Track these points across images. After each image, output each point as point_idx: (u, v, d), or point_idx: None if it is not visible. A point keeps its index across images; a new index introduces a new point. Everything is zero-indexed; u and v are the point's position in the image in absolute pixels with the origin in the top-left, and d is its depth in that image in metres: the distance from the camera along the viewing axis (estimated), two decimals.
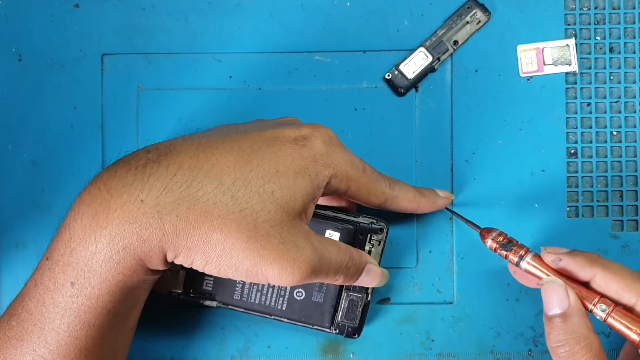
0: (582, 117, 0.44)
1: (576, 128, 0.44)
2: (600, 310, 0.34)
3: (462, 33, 0.43)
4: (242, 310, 0.41)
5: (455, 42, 0.43)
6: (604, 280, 0.34)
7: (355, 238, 0.40)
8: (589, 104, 0.44)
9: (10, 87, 0.43)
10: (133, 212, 0.31)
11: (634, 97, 0.44)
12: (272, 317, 0.41)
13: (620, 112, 0.44)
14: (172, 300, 0.41)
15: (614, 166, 0.44)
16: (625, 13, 0.44)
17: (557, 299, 0.33)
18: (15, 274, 0.43)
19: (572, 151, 0.44)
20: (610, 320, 0.33)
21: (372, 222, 0.40)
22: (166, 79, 0.43)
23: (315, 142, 0.35)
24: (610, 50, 0.44)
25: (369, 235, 0.40)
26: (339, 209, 0.41)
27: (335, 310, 0.41)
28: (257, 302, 0.40)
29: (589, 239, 0.43)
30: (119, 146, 0.43)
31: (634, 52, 0.44)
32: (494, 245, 0.37)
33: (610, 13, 0.44)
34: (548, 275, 0.35)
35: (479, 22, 0.43)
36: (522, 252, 0.36)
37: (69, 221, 0.33)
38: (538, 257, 0.36)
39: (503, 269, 0.43)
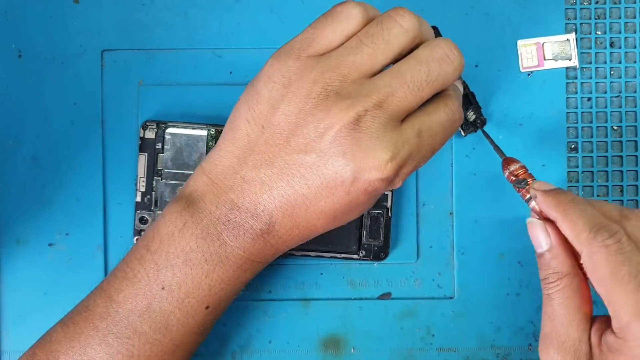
0: (582, 112, 0.44)
1: (577, 123, 0.44)
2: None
3: None
4: None
5: None
6: (562, 227, 0.34)
7: None
8: (589, 99, 0.44)
9: (11, 83, 0.43)
10: None
11: (635, 91, 0.43)
12: (300, 253, 0.42)
13: (620, 107, 0.43)
14: None
15: (615, 161, 0.44)
16: (626, 7, 0.44)
17: (535, 239, 0.34)
18: (16, 269, 0.43)
19: (573, 146, 0.44)
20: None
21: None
22: (166, 74, 0.43)
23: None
24: (611, 44, 0.44)
25: None
26: None
27: (360, 231, 0.42)
28: None
29: None
30: (120, 142, 0.43)
31: (635, 47, 0.44)
32: (512, 178, 0.37)
33: (611, 7, 0.44)
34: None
35: None
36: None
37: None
38: None
39: (503, 263, 0.43)
